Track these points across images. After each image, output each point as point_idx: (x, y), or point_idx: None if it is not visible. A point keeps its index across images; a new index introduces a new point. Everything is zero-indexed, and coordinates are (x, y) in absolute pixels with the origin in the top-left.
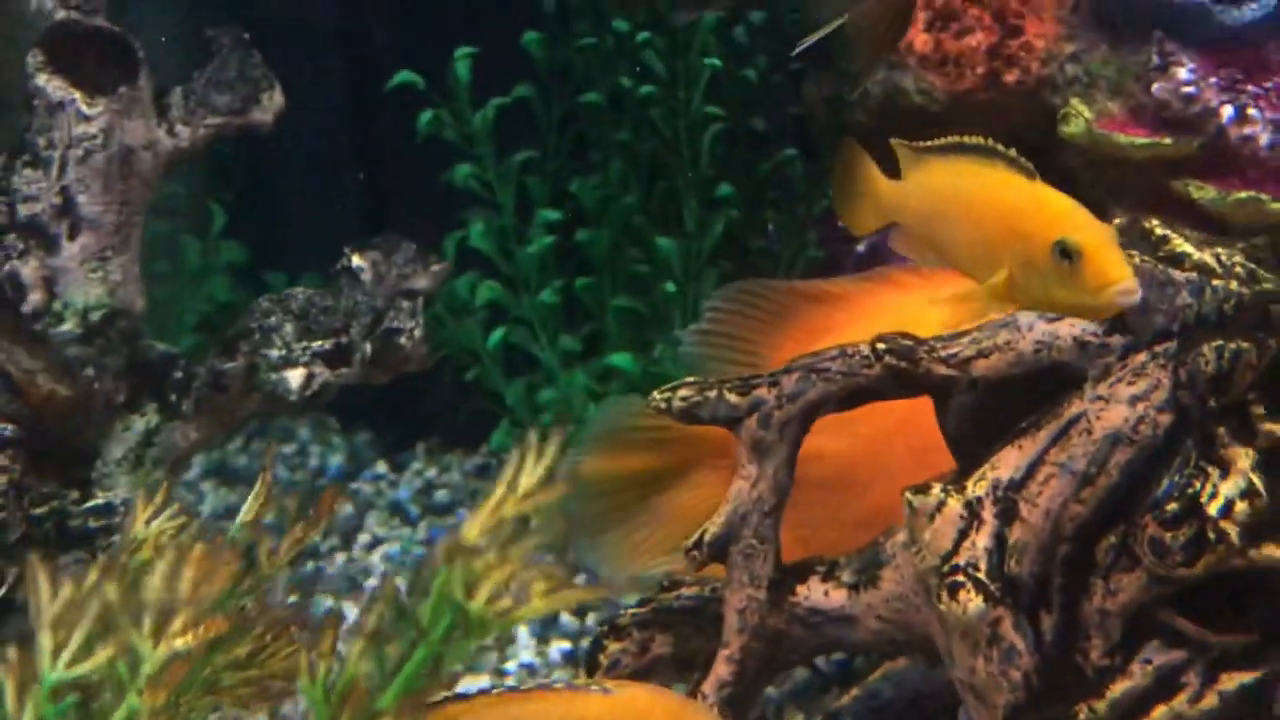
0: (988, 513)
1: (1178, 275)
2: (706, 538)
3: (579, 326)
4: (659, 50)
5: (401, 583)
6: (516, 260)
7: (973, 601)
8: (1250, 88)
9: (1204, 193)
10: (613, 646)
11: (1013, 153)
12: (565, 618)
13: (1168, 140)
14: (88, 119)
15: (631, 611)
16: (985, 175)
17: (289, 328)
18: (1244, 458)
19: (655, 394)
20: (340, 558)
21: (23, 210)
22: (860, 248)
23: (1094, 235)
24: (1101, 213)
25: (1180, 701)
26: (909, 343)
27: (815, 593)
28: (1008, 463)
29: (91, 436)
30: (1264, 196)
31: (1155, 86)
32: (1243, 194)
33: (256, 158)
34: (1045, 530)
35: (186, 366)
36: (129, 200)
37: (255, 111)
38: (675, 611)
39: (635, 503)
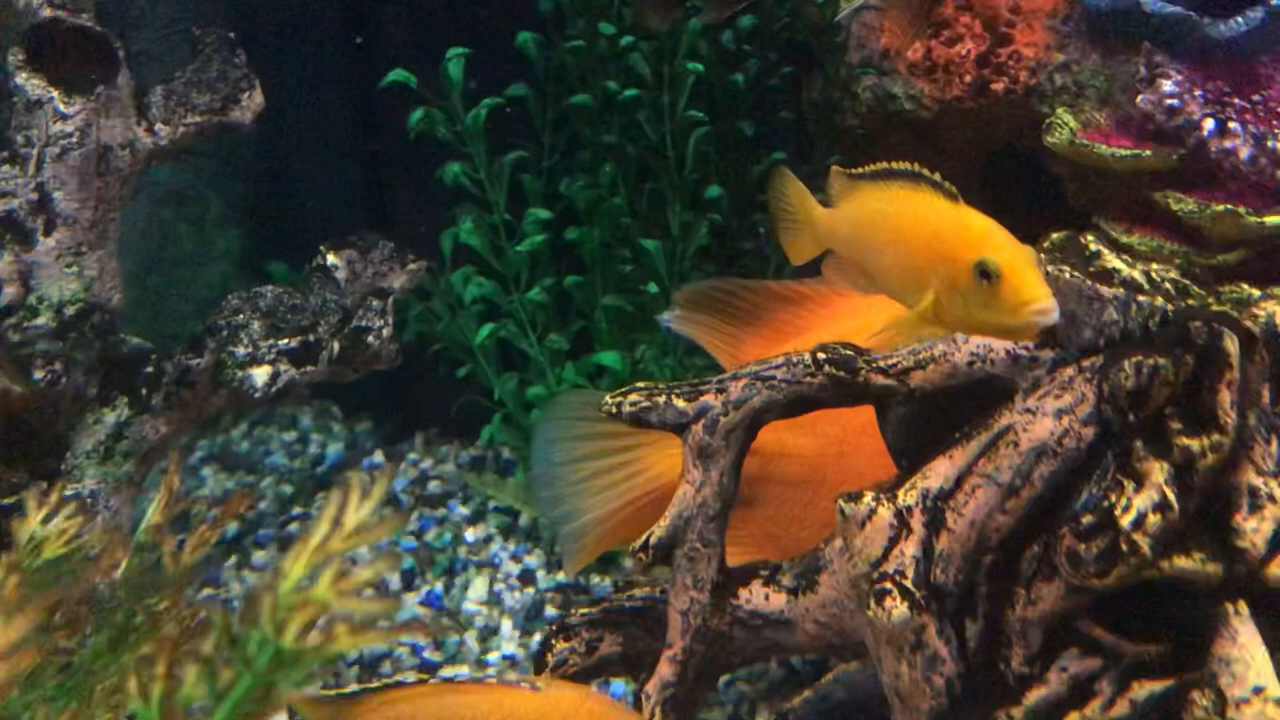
0: (917, 522)
1: (1105, 291)
2: (652, 541)
3: (571, 324)
4: (645, 54)
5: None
6: (507, 257)
7: (898, 608)
8: (1237, 101)
9: (1183, 205)
10: (560, 646)
11: (937, 176)
12: (550, 611)
13: (1148, 152)
14: (65, 117)
15: (582, 611)
16: (911, 200)
17: (256, 325)
18: (1159, 471)
19: (607, 398)
20: None
21: None
22: None
23: (1012, 256)
24: (1084, 224)
25: (1093, 708)
26: (849, 353)
27: (757, 596)
28: (938, 473)
29: (61, 429)
30: (1242, 210)
31: (1140, 98)
32: (1220, 207)
33: (267, 151)
34: (970, 540)
35: (157, 361)
36: (106, 197)
37: (235, 111)
38: (625, 612)
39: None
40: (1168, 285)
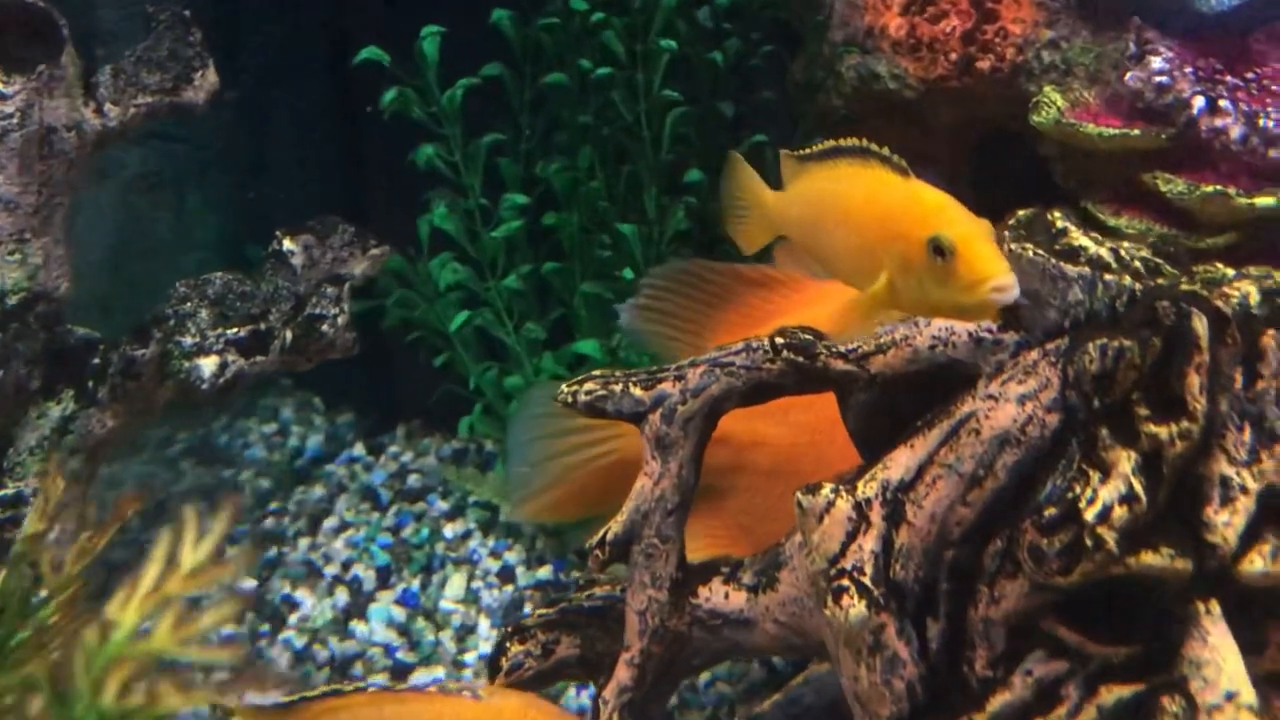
0: (876, 515)
1: (1070, 270)
2: (609, 537)
3: (549, 311)
4: (618, 31)
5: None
6: (482, 243)
7: (855, 607)
8: (1229, 79)
9: (1172, 186)
10: (515, 649)
11: (885, 151)
12: (528, 609)
13: (1136, 131)
14: (4, 97)
15: (539, 612)
16: (860, 177)
17: (204, 314)
18: (1125, 460)
19: (563, 387)
20: (304, 543)
21: None
22: None
23: (967, 230)
24: (1070, 205)
25: (1059, 715)
26: (808, 337)
27: (716, 595)
28: (899, 463)
29: (2, 424)
30: (1231, 191)
31: (1129, 76)
32: (1209, 188)
33: (248, 132)
34: (931, 534)
35: (104, 353)
36: (51, 181)
37: (187, 91)
38: (583, 612)
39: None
40: (1138, 264)
